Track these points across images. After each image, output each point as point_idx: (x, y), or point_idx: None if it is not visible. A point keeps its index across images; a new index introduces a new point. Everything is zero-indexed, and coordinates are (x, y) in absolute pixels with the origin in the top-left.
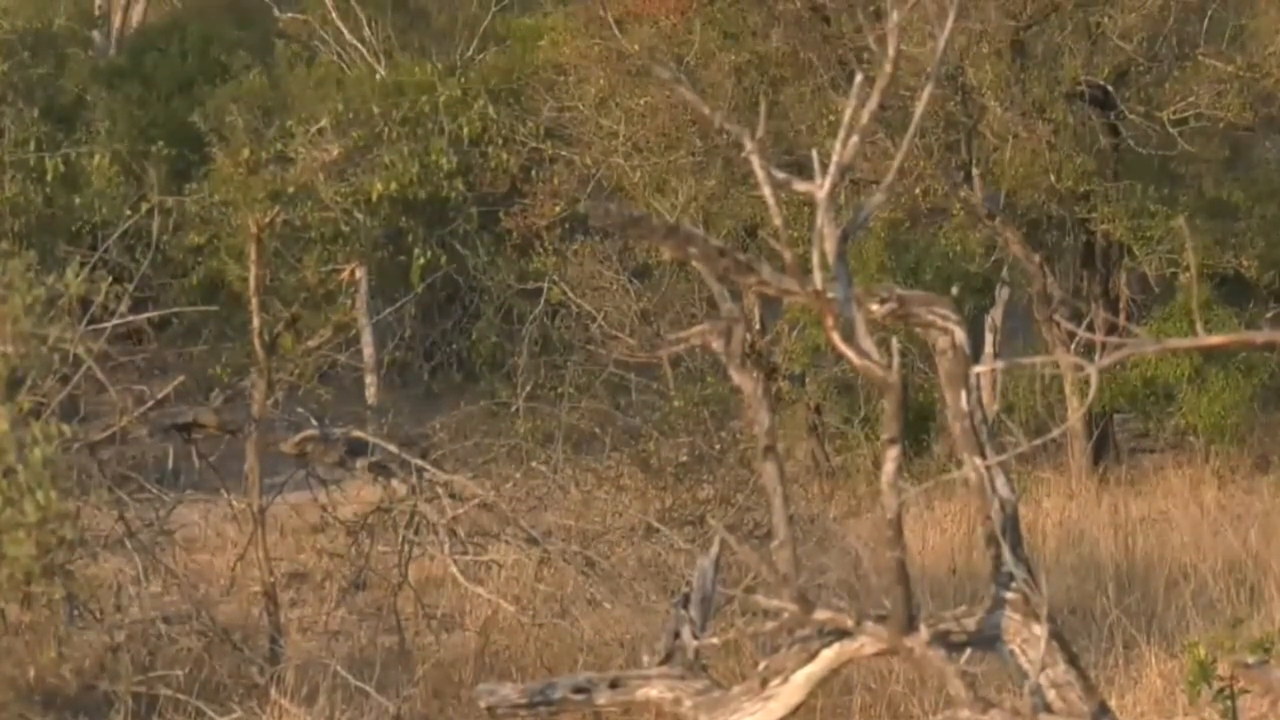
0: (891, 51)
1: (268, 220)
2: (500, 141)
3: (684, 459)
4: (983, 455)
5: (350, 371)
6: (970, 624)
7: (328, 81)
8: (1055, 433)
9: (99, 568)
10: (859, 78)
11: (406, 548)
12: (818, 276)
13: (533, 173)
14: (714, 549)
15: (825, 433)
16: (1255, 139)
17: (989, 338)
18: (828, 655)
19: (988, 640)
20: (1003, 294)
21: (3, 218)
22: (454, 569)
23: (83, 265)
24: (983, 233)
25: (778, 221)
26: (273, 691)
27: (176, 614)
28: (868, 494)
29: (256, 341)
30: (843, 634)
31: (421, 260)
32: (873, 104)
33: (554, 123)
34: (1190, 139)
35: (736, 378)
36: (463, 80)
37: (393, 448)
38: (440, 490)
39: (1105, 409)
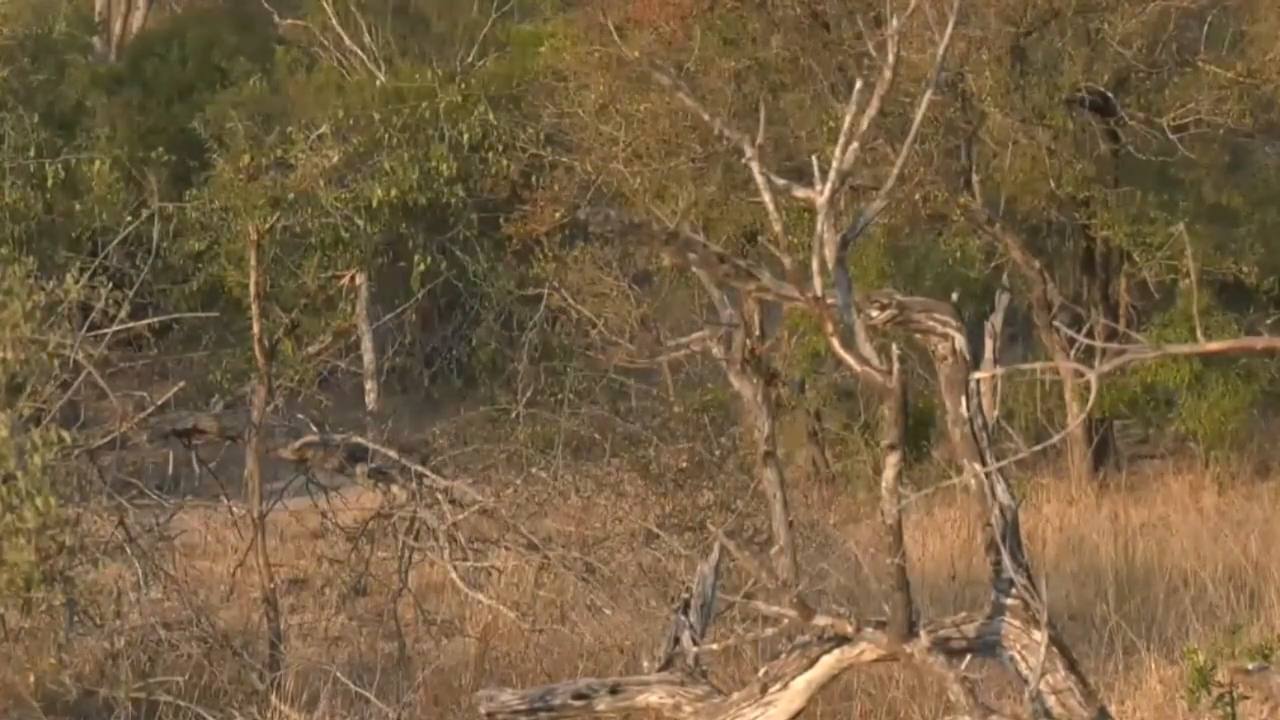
0: (891, 58)
1: (268, 226)
2: (500, 148)
3: (684, 465)
4: (983, 461)
5: (350, 377)
6: (970, 630)
7: (328, 87)
8: (1055, 439)
9: (99, 574)
10: (859, 84)
11: (406, 554)
12: (818, 282)
13: (533, 179)
14: (714, 555)
15: (825, 439)
16: (1255, 145)
17: (989, 344)
18: (828, 661)
19: (988, 646)
20: (1002, 300)
21: (3, 223)
22: (454, 575)
23: (83, 271)
24: (982, 239)
25: (778, 227)
26: (273, 697)
27: (176, 620)
28: (867, 500)
29: (256, 347)
30: (843, 640)
31: (421, 266)
32: (872, 110)
33: (554, 129)
34: (1190, 145)
35: (736, 384)
36: (463, 86)
37: (393, 454)
38: (440, 496)
39: (1105, 415)
